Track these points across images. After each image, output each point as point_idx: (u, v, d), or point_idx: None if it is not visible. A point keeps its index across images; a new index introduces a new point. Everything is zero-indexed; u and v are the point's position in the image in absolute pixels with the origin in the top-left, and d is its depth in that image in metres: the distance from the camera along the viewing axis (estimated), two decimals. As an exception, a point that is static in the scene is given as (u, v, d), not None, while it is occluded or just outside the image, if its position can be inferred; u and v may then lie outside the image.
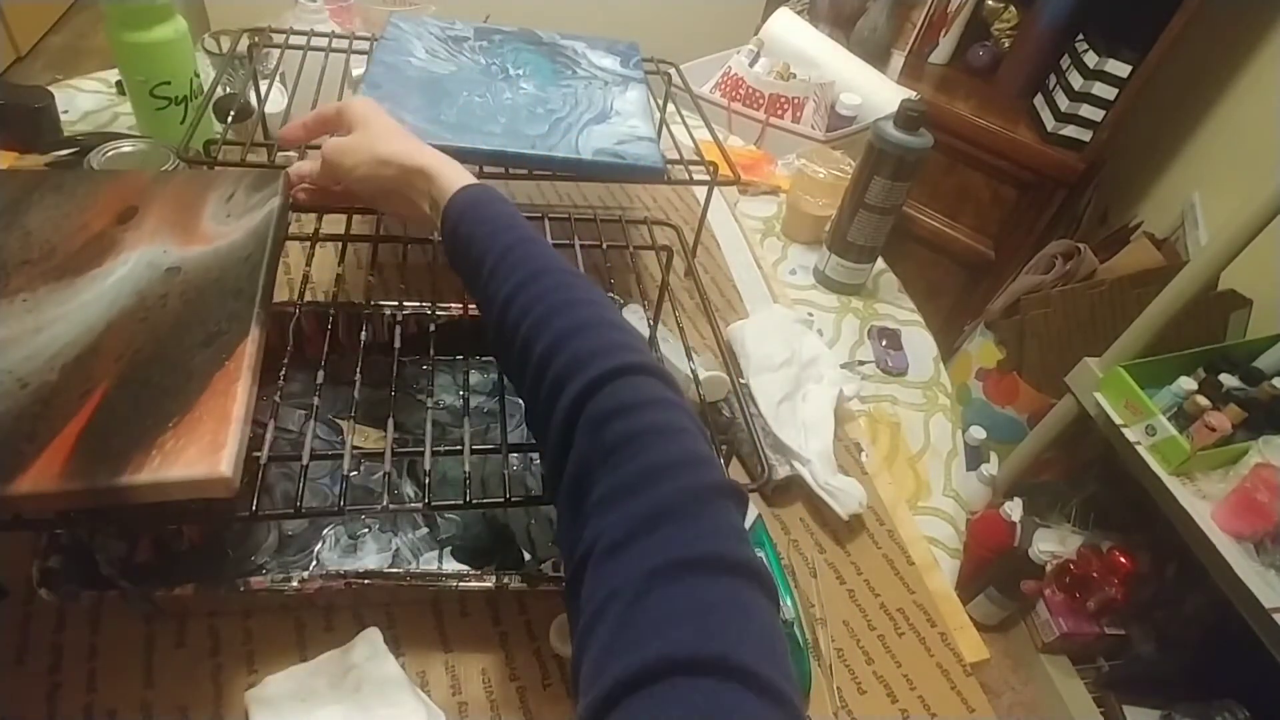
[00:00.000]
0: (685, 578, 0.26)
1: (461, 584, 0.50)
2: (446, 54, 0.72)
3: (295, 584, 0.47)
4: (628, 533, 0.28)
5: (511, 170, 0.65)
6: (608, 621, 0.26)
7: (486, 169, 0.70)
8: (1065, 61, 1.44)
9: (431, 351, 0.52)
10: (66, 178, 0.53)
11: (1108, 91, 1.35)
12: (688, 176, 0.73)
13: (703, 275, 0.66)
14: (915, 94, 1.12)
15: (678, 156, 0.73)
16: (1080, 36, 1.41)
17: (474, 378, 0.71)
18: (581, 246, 0.63)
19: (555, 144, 0.64)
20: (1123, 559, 1.39)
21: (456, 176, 0.48)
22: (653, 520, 0.28)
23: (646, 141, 0.68)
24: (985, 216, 1.58)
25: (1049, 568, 1.39)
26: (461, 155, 0.54)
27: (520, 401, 0.71)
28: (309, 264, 0.57)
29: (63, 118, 0.83)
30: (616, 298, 0.66)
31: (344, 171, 0.51)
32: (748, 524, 0.62)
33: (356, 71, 0.77)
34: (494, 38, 0.76)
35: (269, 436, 0.43)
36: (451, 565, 0.58)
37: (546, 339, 0.37)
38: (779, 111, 1.19)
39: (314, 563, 0.56)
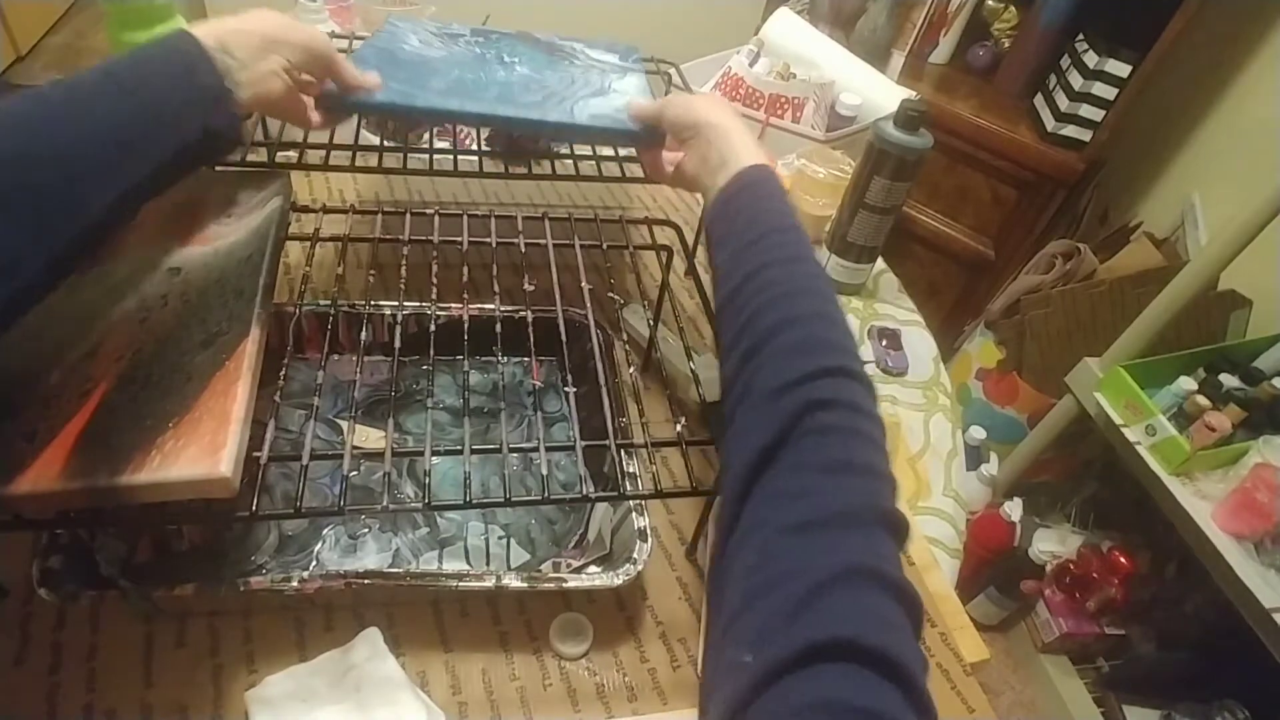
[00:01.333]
0: (858, 583, 0.28)
1: (461, 584, 0.50)
2: (440, 44, 0.71)
3: (295, 584, 0.47)
4: (816, 519, 0.30)
5: (511, 169, 0.65)
6: (775, 595, 0.28)
7: (486, 167, 0.70)
8: (1065, 61, 1.44)
9: (431, 351, 0.52)
10: (66, 178, 0.53)
11: (1108, 91, 1.35)
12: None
13: (703, 275, 0.66)
14: (915, 94, 1.12)
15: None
16: (1080, 36, 1.41)
17: (474, 378, 0.71)
18: (581, 246, 0.63)
19: (549, 111, 0.61)
20: (1123, 559, 1.39)
21: (751, 152, 0.52)
22: (844, 519, 0.30)
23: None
24: (985, 216, 1.58)
25: (1049, 568, 1.39)
26: (449, 118, 0.58)
27: (520, 403, 0.72)
28: (309, 264, 0.57)
29: (63, 118, 0.82)
30: (616, 298, 0.66)
31: (672, 119, 0.57)
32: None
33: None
34: (490, 36, 0.76)
35: (269, 436, 0.43)
36: (452, 565, 0.58)
37: (785, 312, 0.40)
38: (779, 111, 1.19)
39: (314, 563, 0.56)
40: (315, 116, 0.55)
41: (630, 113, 0.61)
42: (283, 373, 0.48)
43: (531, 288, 0.59)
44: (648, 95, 0.67)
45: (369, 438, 0.61)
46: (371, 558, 0.57)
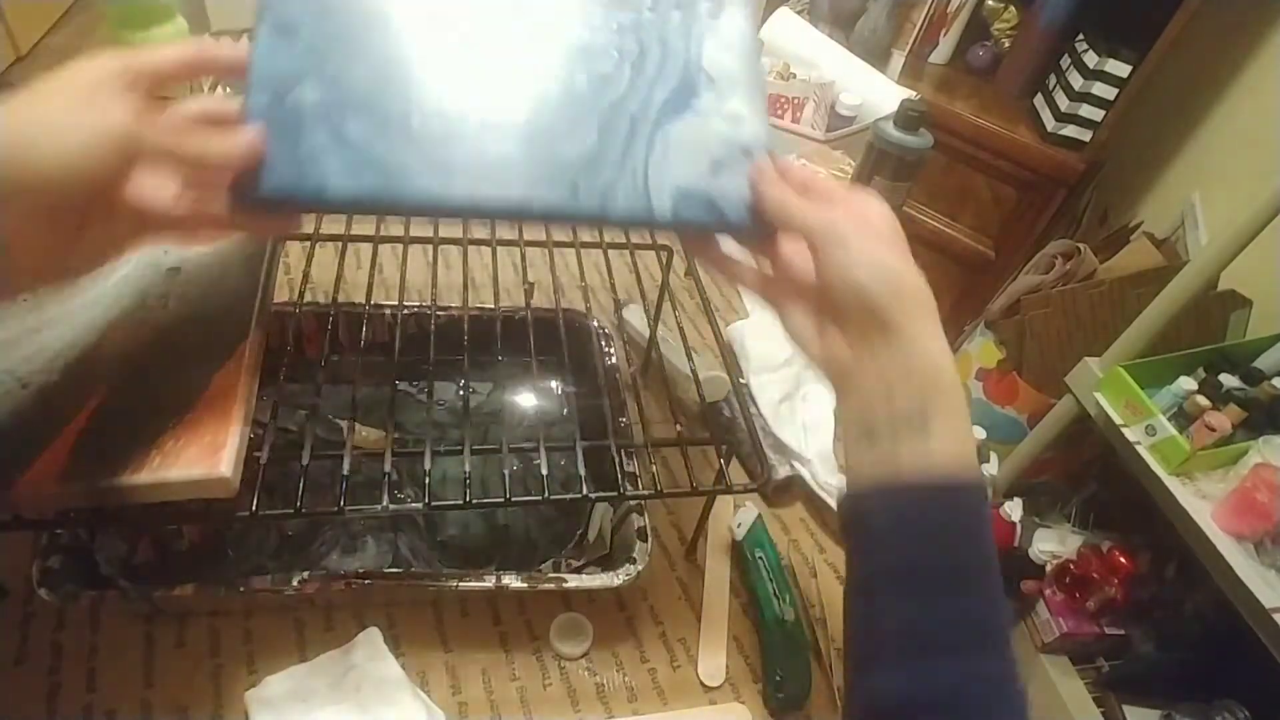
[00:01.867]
0: None
1: (461, 584, 0.50)
2: None
3: (295, 584, 0.47)
4: None
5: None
6: None
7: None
8: (1065, 61, 1.44)
9: (431, 352, 0.52)
10: (66, 178, 0.53)
11: (1108, 91, 1.35)
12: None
13: (703, 275, 0.66)
14: (915, 94, 1.12)
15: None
16: (1080, 36, 1.41)
17: (474, 378, 0.71)
18: (581, 246, 0.63)
19: (611, 180, 0.38)
20: (1123, 559, 1.38)
21: (959, 403, 0.34)
22: None
23: (756, 147, 0.40)
24: (985, 216, 1.58)
25: (1049, 568, 1.39)
26: (435, 211, 0.38)
27: (518, 400, 0.72)
28: (309, 264, 0.57)
29: (63, 118, 0.82)
30: (616, 298, 0.66)
31: (830, 267, 0.35)
32: (747, 525, 0.62)
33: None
34: None
35: (269, 436, 0.43)
36: (451, 565, 0.58)
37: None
38: (779, 111, 1.19)
39: (314, 563, 0.56)
40: (215, 223, 0.34)
41: (756, 197, 0.38)
42: (283, 373, 0.48)
43: (529, 285, 0.59)
44: (756, 65, 0.44)
45: (369, 438, 0.61)
46: (371, 558, 0.57)
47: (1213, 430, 1.03)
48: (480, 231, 0.62)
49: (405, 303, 0.58)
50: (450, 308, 0.67)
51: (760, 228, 0.39)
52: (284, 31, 0.36)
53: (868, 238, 0.35)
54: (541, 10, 0.42)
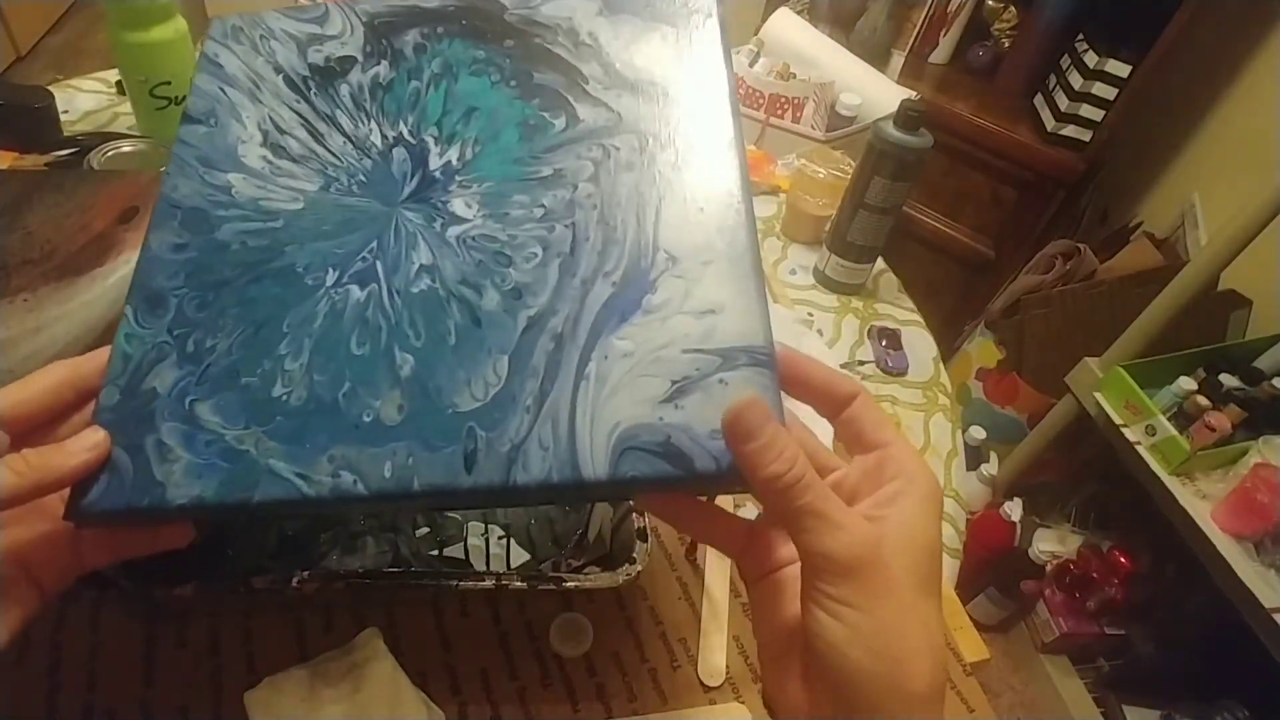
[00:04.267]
0: None
1: (461, 584, 0.50)
2: (301, 130, 0.37)
3: (295, 584, 0.47)
4: None
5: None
6: None
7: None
8: (1065, 61, 1.44)
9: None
10: (67, 178, 0.53)
11: (1108, 91, 1.35)
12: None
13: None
14: (915, 94, 1.12)
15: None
16: (1080, 36, 1.41)
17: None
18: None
19: (522, 437, 0.29)
20: (1123, 559, 1.39)
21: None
22: None
23: (743, 350, 0.29)
24: (985, 216, 1.58)
25: (1049, 568, 1.39)
26: (294, 509, 0.31)
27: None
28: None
29: (63, 118, 0.83)
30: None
31: (815, 619, 0.25)
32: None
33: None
34: (406, 37, 0.38)
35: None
36: (451, 565, 0.58)
37: None
38: (779, 111, 1.19)
39: (314, 563, 0.56)
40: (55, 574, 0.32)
41: (728, 437, 0.26)
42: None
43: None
44: (750, 245, 0.31)
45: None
46: (371, 558, 0.57)
47: (1213, 430, 1.03)
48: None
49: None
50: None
51: (726, 476, 0.27)
52: (151, 305, 0.33)
53: (885, 598, 0.25)
54: (465, 190, 0.34)
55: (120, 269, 0.47)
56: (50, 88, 0.85)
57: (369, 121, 0.37)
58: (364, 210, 0.35)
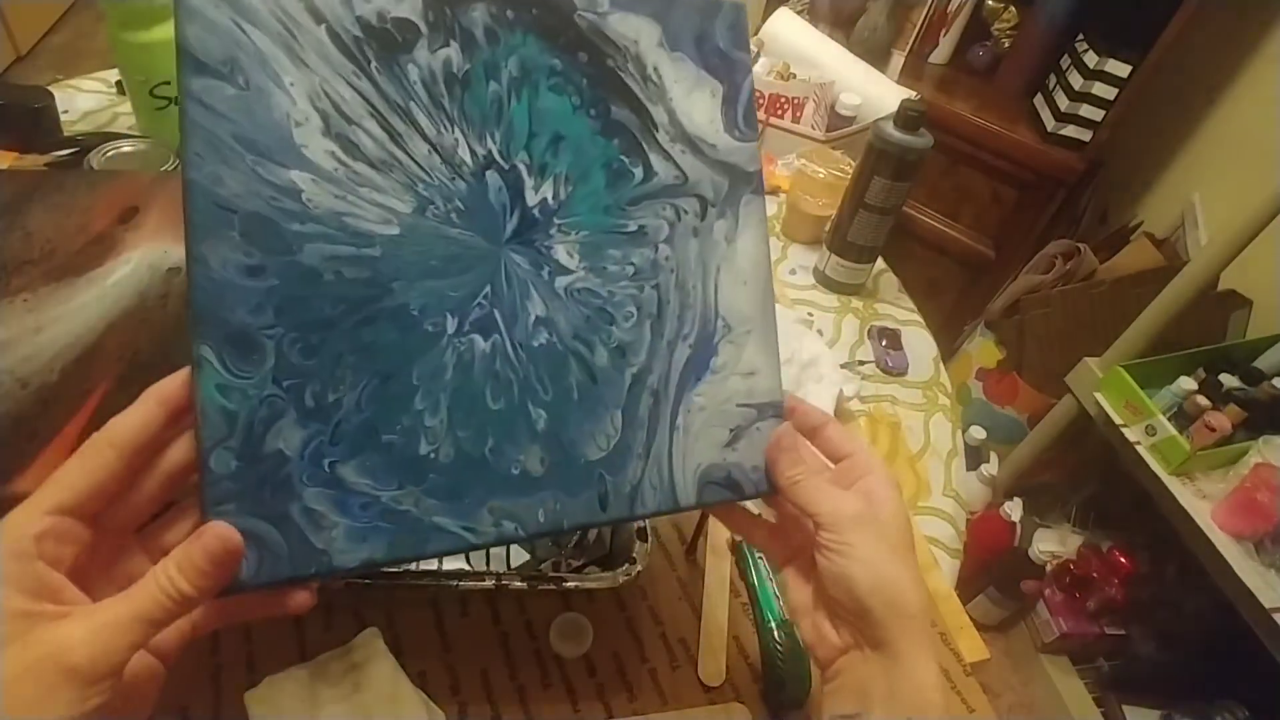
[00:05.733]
0: None
1: (461, 584, 0.50)
2: (373, 122, 0.31)
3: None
4: None
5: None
6: None
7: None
8: (1065, 61, 1.44)
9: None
10: (67, 178, 0.53)
11: (1108, 91, 1.35)
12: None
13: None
14: (915, 94, 1.12)
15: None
16: (1080, 36, 1.41)
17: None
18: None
19: (638, 479, 0.35)
20: (1123, 559, 1.39)
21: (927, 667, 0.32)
22: None
23: (771, 406, 0.39)
24: (985, 216, 1.58)
25: (1049, 568, 1.39)
26: (459, 552, 0.32)
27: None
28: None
29: (63, 118, 0.83)
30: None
31: (831, 566, 0.34)
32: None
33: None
34: (474, 14, 0.32)
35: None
36: (452, 565, 0.58)
37: None
38: (779, 111, 1.19)
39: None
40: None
41: (770, 469, 0.38)
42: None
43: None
44: (768, 292, 0.40)
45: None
46: (371, 558, 0.57)
47: (1213, 430, 1.03)
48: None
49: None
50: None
51: (774, 490, 0.38)
52: (240, 348, 0.28)
53: (872, 542, 0.33)
54: (564, 240, 0.35)
55: (120, 269, 0.47)
56: (50, 88, 0.85)
57: (453, 128, 0.32)
58: (470, 246, 0.32)
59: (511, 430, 0.33)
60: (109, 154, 0.69)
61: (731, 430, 0.37)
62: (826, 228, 0.98)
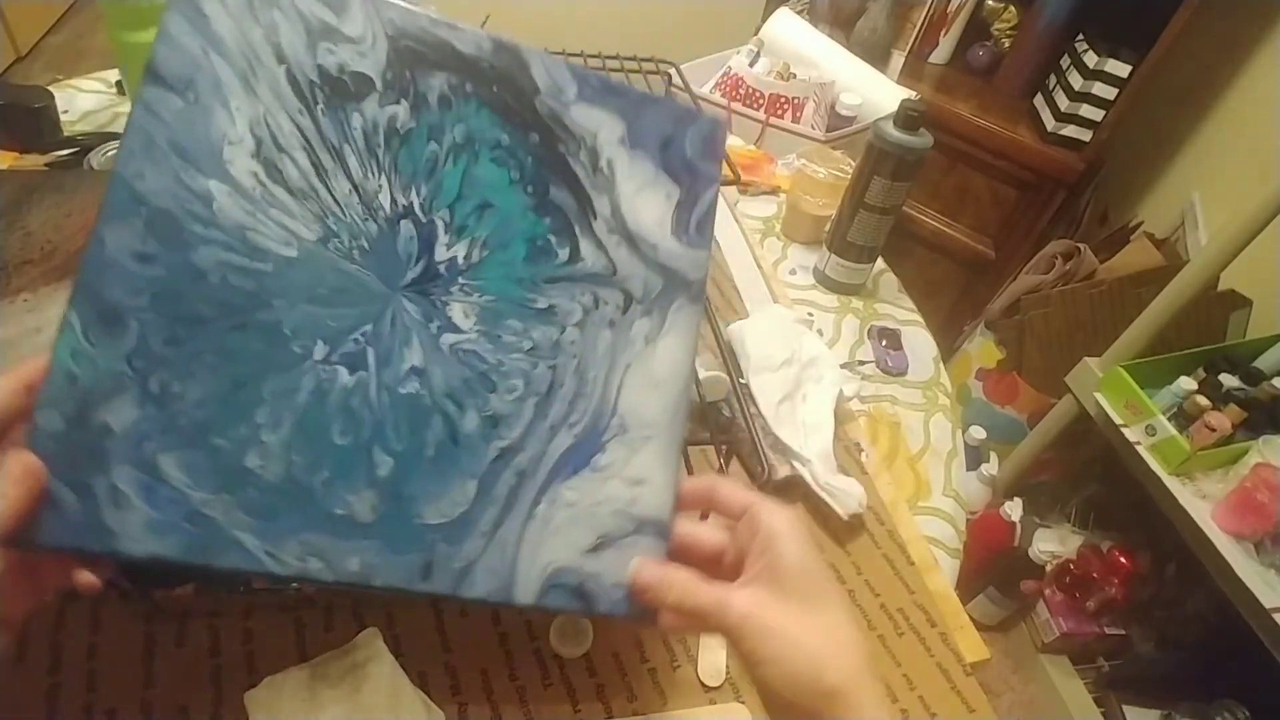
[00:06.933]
0: None
1: (461, 584, 0.50)
2: (303, 155, 0.32)
3: (295, 584, 0.47)
4: None
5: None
6: None
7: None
8: (1065, 61, 1.44)
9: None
10: (67, 178, 0.53)
11: (1108, 91, 1.35)
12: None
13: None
14: (915, 94, 1.12)
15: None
16: (1080, 36, 1.41)
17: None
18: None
19: (474, 558, 0.32)
20: (1123, 559, 1.39)
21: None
22: None
23: (652, 522, 0.35)
24: (985, 216, 1.58)
25: (1049, 568, 1.39)
26: (254, 576, 0.34)
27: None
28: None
29: (63, 118, 0.83)
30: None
31: (756, 655, 0.32)
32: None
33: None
34: (433, 80, 0.34)
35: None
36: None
37: None
38: (779, 111, 1.19)
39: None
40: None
41: (635, 596, 0.34)
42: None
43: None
44: (679, 408, 0.37)
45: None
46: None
47: (1213, 430, 1.03)
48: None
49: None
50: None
51: (640, 616, 0.34)
52: (106, 322, 0.28)
53: (777, 627, 0.32)
54: (464, 302, 0.34)
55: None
56: (50, 88, 0.85)
57: (379, 175, 0.33)
58: (363, 284, 0.32)
59: (350, 469, 0.31)
60: (109, 154, 0.69)
61: (598, 536, 0.34)
62: (826, 228, 0.98)
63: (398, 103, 0.34)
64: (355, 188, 0.33)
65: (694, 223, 0.38)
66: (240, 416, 0.30)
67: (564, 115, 0.36)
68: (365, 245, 0.33)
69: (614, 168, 0.37)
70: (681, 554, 0.36)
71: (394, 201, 0.33)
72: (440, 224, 0.34)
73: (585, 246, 0.36)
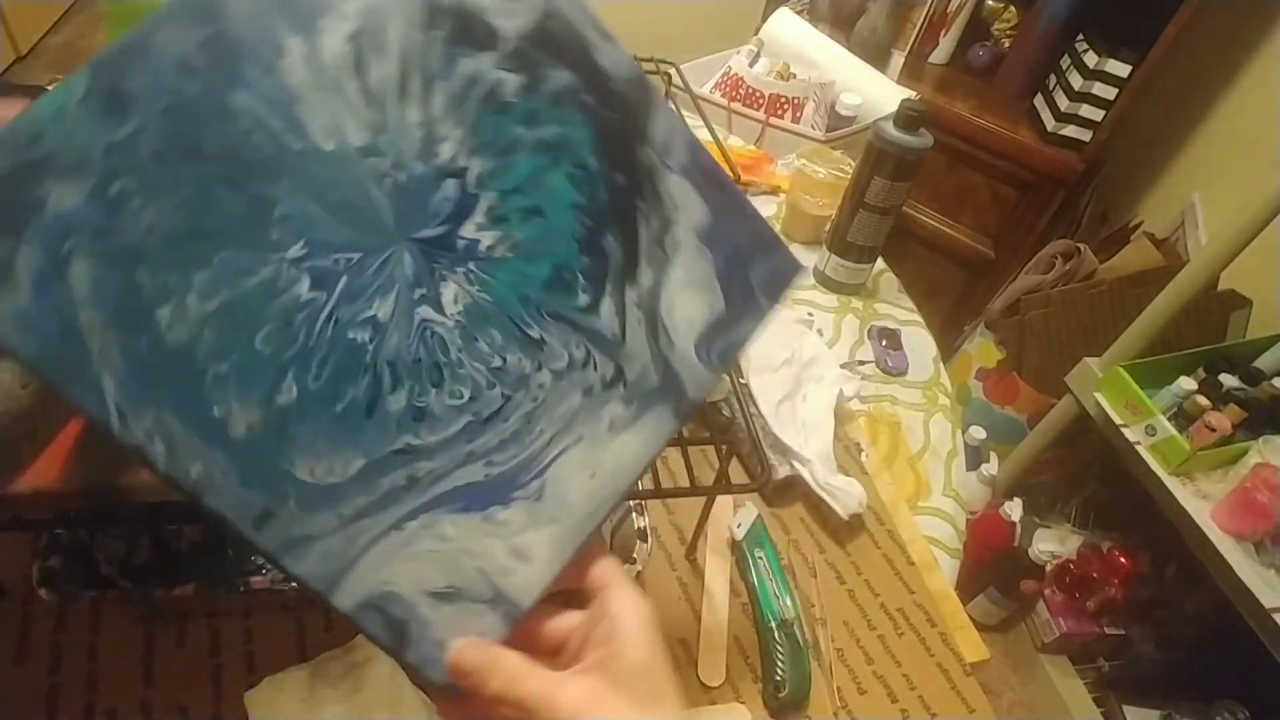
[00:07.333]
0: None
1: (461, 584, 0.50)
2: (396, 66, 0.31)
3: (295, 584, 0.47)
4: None
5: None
6: None
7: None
8: (1065, 61, 1.44)
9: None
10: (66, 178, 0.53)
11: (1108, 91, 1.35)
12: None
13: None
14: (915, 94, 1.12)
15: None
16: (1080, 36, 1.41)
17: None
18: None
19: (316, 535, 0.29)
20: (1123, 559, 1.39)
21: None
22: None
23: (509, 603, 0.32)
24: (985, 216, 1.58)
25: (1049, 568, 1.39)
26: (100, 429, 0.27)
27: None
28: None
29: (63, 118, 0.83)
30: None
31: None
32: (747, 525, 0.62)
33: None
34: (557, 74, 0.33)
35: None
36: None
37: None
38: (779, 111, 1.19)
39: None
40: None
41: (452, 671, 0.31)
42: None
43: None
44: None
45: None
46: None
47: (1213, 430, 1.03)
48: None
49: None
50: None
51: (446, 691, 0.31)
52: (109, 102, 0.26)
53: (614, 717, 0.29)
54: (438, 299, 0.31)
55: (120, 269, 0.47)
56: (50, 88, 0.85)
57: (455, 126, 0.31)
58: (376, 214, 0.30)
59: (251, 377, 0.28)
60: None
61: (450, 586, 0.31)
62: (826, 228, 0.98)
63: (513, 73, 0.32)
64: (425, 123, 0.30)
65: (721, 348, 0.36)
66: (179, 265, 0.27)
67: (659, 177, 0.35)
68: (402, 180, 0.30)
69: (677, 251, 0.35)
70: (521, 635, 0.32)
71: (453, 158, 0.31)
72: (484, 202, 0.32)
73: (607, 304, 0.34)
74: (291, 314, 0.28)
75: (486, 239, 0.32)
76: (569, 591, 0.34)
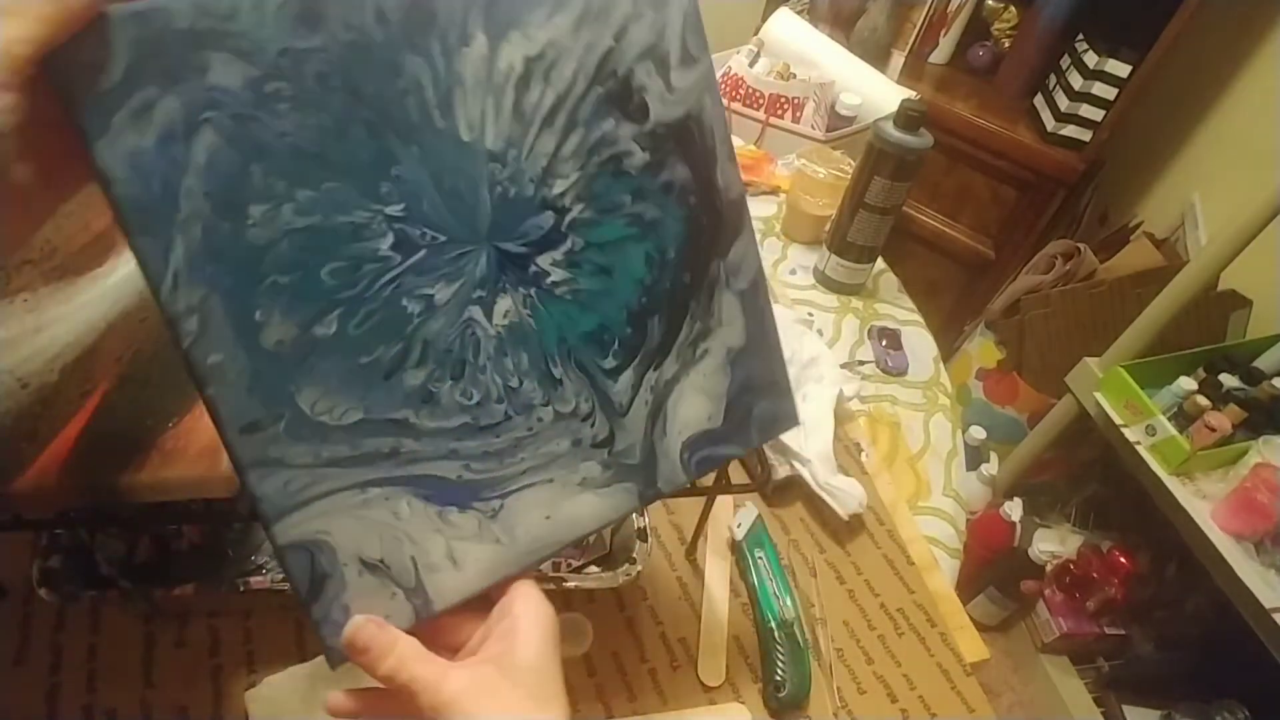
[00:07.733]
0: None
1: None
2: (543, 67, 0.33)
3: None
4: None
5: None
6: None
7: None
8: (1065, 61, 1.44)
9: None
10: (67, 177, 0.53)
11: (1108, 91, 1.35)
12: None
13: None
14: (915, 94, 1.12)
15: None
16: (1080, 36, 1.41)
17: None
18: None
19: (279, 457, 0.31)
20: (1123, 559, 1.39)
21: None
22: None
23: (411, 600, 0.34)
24: (985, 216, 1.58)
25: (1049, 568, 1.39)
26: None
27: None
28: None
29: (63, 118, 0.82)
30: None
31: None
32: (747, 525, 0.62)
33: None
34: (675, 171, 0.36)
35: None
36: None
37: None
38: (779, 111, 1.19)
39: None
40: None
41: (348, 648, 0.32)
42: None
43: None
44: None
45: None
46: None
47: (1213, 430, 1.03)
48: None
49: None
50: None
51: (337, 658, 0.33)
52: (308, 16, 0.27)
53: (500, 708, 0.30)
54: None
55: (121, 268, 0.47)
56: None
57: (575, 169, 0.33)
58: (475, 213, 0.32)
59: (303, 300, 0.29)
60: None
61: (382, 559, 0.32)
62: (826, 228, 0.98)
63: (644, 150, 0.35)
64: (553, 156, 0.33)
65: (701, 456, 0.39)
66: (291, 176, 0.28)
67: (719, 291, 0.38)
68: (511, 194, 0.32)
69: (705, 358, 0.38)
70: (425, 627, 0.33)
71: (562, 195, 0.33)
72: (569, 244, 0.34)
73: (627, 376, 0.37)
74: (363, 261, 0.30)
75: (556, 275, 0.34)
76: (482, 600, 0.35)
